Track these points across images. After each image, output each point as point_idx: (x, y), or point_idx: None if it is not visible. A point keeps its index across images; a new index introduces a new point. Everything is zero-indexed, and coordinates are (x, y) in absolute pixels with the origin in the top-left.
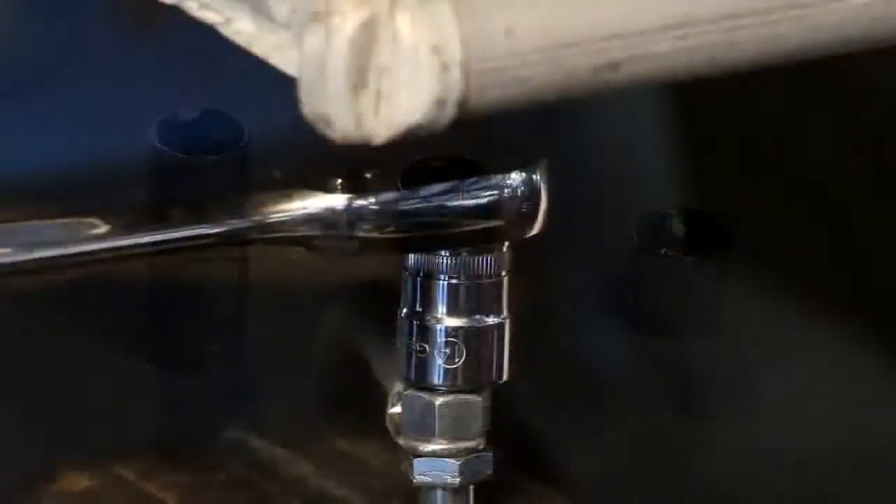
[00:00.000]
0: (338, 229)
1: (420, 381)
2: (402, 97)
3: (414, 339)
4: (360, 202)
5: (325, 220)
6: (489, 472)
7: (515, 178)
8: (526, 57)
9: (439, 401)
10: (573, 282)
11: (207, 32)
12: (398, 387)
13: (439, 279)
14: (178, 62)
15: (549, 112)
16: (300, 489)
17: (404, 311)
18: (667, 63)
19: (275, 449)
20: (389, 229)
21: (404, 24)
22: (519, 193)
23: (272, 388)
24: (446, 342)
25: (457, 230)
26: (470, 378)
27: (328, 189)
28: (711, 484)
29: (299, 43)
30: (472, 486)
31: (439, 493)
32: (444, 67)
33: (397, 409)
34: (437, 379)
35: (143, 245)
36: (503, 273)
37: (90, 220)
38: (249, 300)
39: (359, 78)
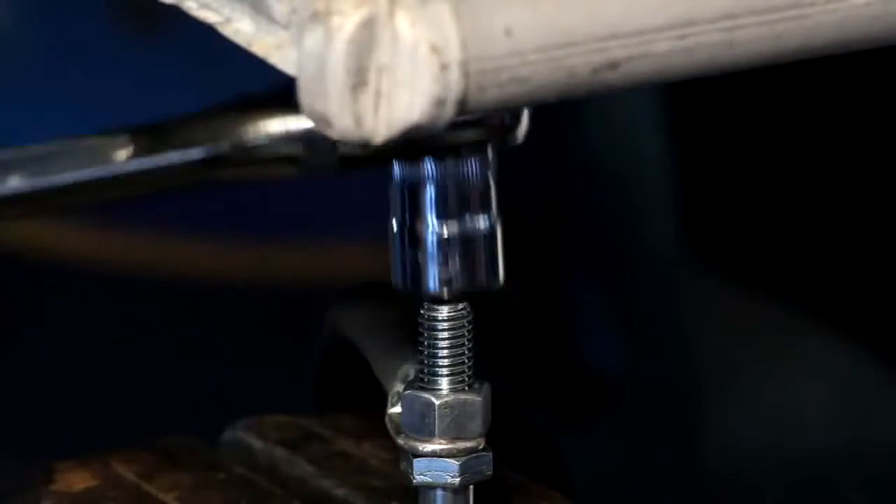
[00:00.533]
0: (321, 146)
1: (416, 288)
2: (401, 97)
3: (406, 249)
4: None
5: (307, 138)
6: (489, 472)
7: None
8: (525, 57)
9: (439, 400)
10: (573, 282)
11: (207, 32)
12: (398, 387)
13: (426, 187)
14: (178, 61)
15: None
16: (300, 489)
17: (394, 222)
18: (666, 63)
19: (275, 449)
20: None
21: (404, 23)
22: None
23: (272, 387)
24: (439, 249)
25: (439, 141)
26: (465, 283)
27: None
28: (710, 483)
29: (299, 42)
30: (472, 486)
31: (439, 493)
32: (444, 67)
33: (397, 409)
34: (432, 287)
35: (126, 173)
36: (490, 176)
37: (72, 143)
38: (249, 300)
39: (358, 77)
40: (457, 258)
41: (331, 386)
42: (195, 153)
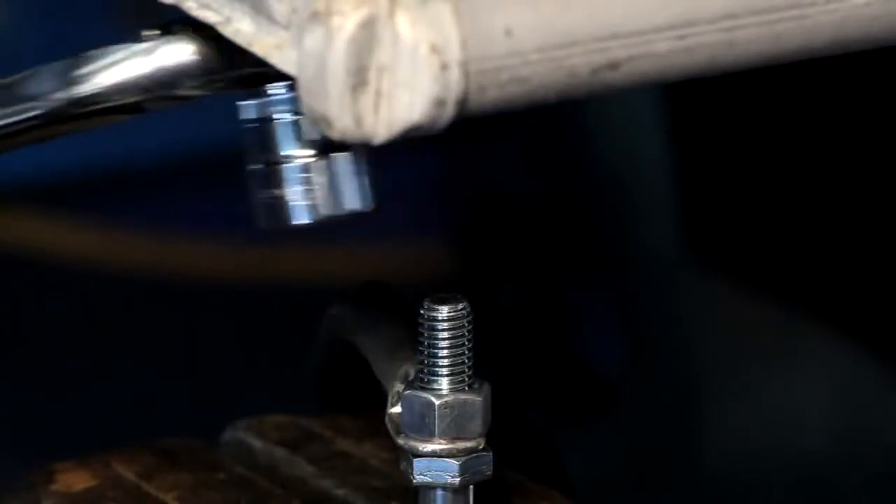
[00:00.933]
0: (161, 91)
1: (280, 223)
2: (401, 97)
3: (267, 188)
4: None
5: (145, 85)
6: (489, 472)
7: None
8: (525, 57)
9: (439, 400)
10: (573, 282)
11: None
12: (398, 387)
13: (278, 119)
14: None
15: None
16: (300, 489)
17: (251, 166)
18: (666, 63)
19: (275, 449)
20: (218, 86)
21: (404, 23)
22: None
23: (272, 387)
24: (301, 179)
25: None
26: (331, 207)
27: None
28: (710, 483)
29: (299, 42)
30: (472, 486)
31: (439, 493)
32: (444, 67)
33: (397, 409)
34: (296, 218)
35: None
36: None
37: None
38: (249, 299)
39: (358, 77)
40: (318, 186)
41: (331, 386)
42: (35, 110)
